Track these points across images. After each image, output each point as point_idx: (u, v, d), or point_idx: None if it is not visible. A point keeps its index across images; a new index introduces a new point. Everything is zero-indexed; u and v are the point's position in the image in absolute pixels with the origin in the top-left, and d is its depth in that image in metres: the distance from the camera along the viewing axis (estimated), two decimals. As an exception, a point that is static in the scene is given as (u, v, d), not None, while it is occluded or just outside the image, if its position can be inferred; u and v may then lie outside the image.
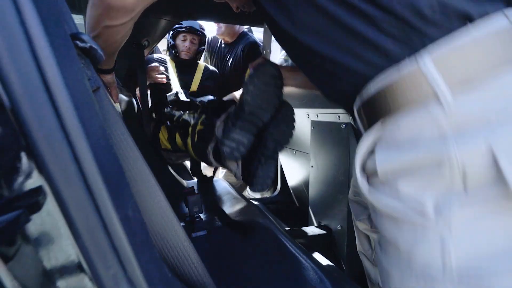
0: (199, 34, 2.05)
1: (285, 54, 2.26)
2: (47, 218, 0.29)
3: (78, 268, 0.30)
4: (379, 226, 0.50)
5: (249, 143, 0.95)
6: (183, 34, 2.02)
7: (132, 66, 1.95)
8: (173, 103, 1.86)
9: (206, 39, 2.53)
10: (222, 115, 1.10)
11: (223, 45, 2.39)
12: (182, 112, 1.56)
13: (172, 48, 2.06)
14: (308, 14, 0.50)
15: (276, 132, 0.95)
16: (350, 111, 0.58)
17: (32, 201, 0.28)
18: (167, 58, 2.13)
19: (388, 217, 0.47)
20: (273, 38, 2.13)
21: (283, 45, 0.67)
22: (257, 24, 2.18)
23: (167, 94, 1.94)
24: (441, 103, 0.40)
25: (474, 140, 0.38)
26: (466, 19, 0.41)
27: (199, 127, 1.30)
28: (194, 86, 2.10)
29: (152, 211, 0.46)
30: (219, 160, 1.14)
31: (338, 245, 1.40)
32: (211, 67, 2.24)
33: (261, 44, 2.19)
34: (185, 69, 2.08)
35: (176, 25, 2.01)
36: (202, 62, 2.21)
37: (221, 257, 0.97)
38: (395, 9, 0.43)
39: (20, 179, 0.28)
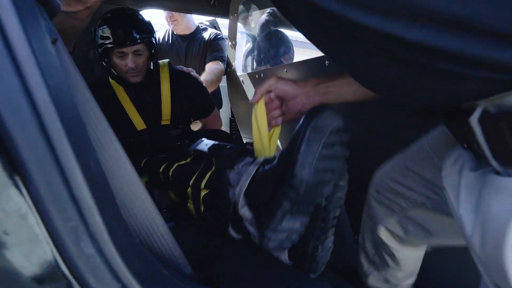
0: (144, 40, 1.23)
1: (253, 42, 2.25)
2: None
3: (28, 219, 0.26)
4: None
5: (303, 227, 0.68)
6: (118, 51, 1.20)
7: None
8: (147, 148, 1.28)
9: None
10: (243, 172, 0.76)
11: (179, 39, 2.07)
12: (165, 160, 1.10)
13: (109, 68, 1.25)
14: None
15: (337, 199, 0.69)
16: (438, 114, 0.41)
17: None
18: (113, 84, 1.32)
19: None
20: (239, 29, 2.13)
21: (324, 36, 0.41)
22: (222, 15, 2.15)
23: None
24: None
25: None
26: None
27: (204, 191, 0.89)
28: (166, 111, 1.37)
29: (116, 177, 0.43)
30: (244, 232, 0.78)
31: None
32: (179, 67, 1.55)
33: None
34: (142, 90, 1.33)
35: (98, 34, 1.21)
36: (162, 61, 1.42)
37: (189, 249, 0.92)
38: None
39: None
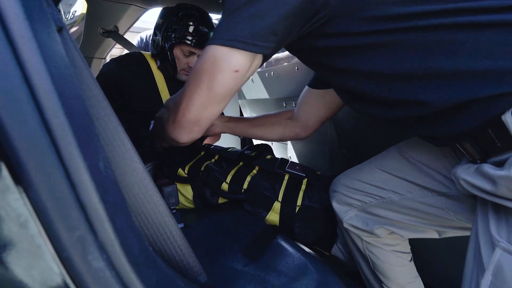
0: None
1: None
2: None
3: (28, 228, 0.23)
4: None
5: None
6: (190, 50, 1.21)
7: None
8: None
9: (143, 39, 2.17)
10: None
11: None
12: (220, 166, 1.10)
13: (170, 62, 1.24)
14: None
15: None
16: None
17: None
18: (152, 67, 1.29)
19: None
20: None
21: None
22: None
23: None
24: None
25: None
26: None
27: (298, 207, 0.97)
28: None
29: (126, 178, 0.39)
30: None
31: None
32: None
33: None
34: (178, 88, 1.44)
35: (182, 30, 1.18)
36: None
37: (199, 252, 0.88)
38: None
39: None
